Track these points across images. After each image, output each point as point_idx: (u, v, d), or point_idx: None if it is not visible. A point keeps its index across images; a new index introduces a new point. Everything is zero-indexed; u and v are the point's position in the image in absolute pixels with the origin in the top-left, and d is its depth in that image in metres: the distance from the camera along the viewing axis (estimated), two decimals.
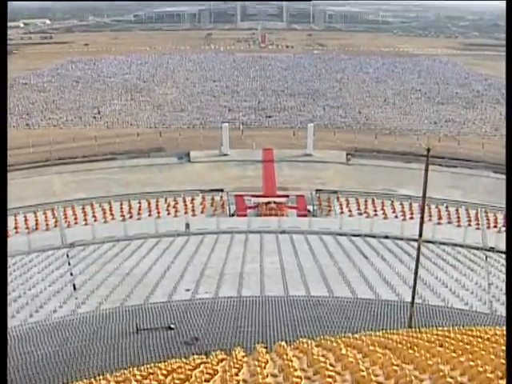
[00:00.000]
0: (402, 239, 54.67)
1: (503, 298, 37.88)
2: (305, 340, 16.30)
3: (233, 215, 65.61)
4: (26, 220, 61.64)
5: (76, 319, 34.34)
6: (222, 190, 70.30)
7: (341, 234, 56.95)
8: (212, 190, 70.10)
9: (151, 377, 14.34)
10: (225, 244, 52.86)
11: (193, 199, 68.44)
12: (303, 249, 50.73)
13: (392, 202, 68.55)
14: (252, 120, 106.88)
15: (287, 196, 69.37)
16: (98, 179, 74.27)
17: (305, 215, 64.94)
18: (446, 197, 68.44)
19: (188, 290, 38.93)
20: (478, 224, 62.33)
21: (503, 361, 12.65)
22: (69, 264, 48.12)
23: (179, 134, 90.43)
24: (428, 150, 24.01)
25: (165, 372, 14.86)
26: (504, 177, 67.74)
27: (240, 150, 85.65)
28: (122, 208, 66.44)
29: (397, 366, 11.76)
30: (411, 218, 63.71)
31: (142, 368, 16.92)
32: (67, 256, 50.50)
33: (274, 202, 66.50)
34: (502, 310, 35.51)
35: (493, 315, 34.32)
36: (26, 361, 28.44)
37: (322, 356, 12.72)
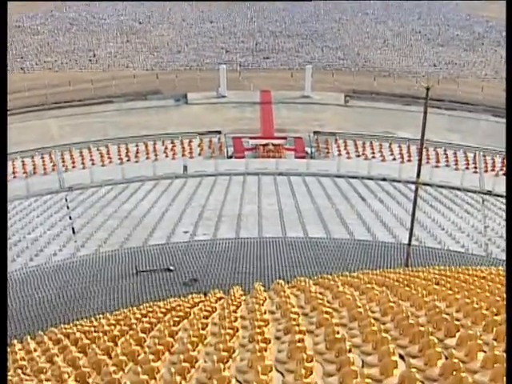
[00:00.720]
0: (399, 181, 54.76)
1: (499, 241, 38.17)
2: (302, 278, 16.46)
3: (230, 157, 65.56)
4: (23, 165, 61.55)
5: (76, 262, 34.57)
6: (219, 132, 70.01)
7: (338, 176, 57.02)
8: (210, 132, 69.83)
9: (150, 315, 14.52)
10: (223, 186, 52.95)
11: (190, 141, 68.21)
12: (301, 191, 50.83)
13: (390, 144, 68.40)
14: (249, 62, 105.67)
15: (285, 138, 69.17)
16: (95, 122, 73.87)
17: (303, 157, 64.89)
18: (444, 140, 68.27)
19: (186, 232, 39.12)
20: (475, 167, 62.36)
21: (498, 298, 12.79)
22: (67, 208, 48.24)
23: (176, 76, 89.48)
24: (427, 89, 23.77)
25: (164, 310, 15.05)
26: (503, 120, 67.65)
27: (237, 91, 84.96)
28: (119, 151, 66.27)
29: (393, 302, 11.88)
30: (409, 160, 63.69)
31: (142, 307, 17.14)
32: (66, 200, 50.59)
33: (272, 144, 66.35)
34: (497, 253, 35.82)
35: (488, 257, 34.61)
36: (28, 303, 28.75)
37: (320, 293, 12.86)
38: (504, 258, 33.53)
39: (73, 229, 41.79)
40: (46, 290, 30.52)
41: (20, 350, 13.96)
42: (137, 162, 64.25)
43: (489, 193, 53.01)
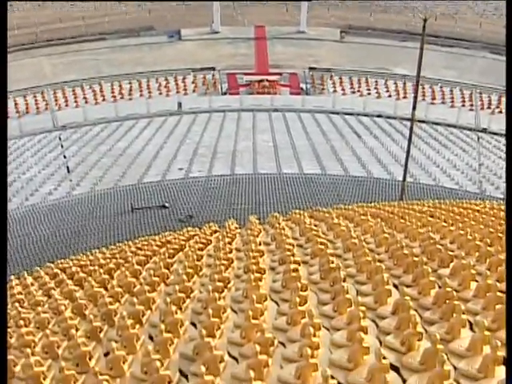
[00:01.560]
0: (394, 118, 54.54)
1: (493, 179, 38.29)
2: (297, 211, 16.49)
3: (225, 94, 65.05)
4: (16, 104, 60.92)
5: (71, 201, 34.67)
6: (213, 69, 69.24)
7: (334, 113, 56.74)
8: (204, 69, 69.06)
9: (146, 248, 14.59)
10: (217, 123, 52.69)
11: (184, 78, 67.49)
12: (296, 127, 50.64)
13: (386, 80, 67.83)
14: None
15: (280, 74, 68.49)
16: (88, 60, 72.87)
17: (298, 93, 64.43)
18: (440, 77, 67.66)
19: (181, 169, 39.13)
20: (471, 105, 62.00)
21: (492, 230, 12.85)
22: (61, 147, 48.07)
23: (169, 12, 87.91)
24: (425, 21, 23.35)
25: (159, 243, 15.11)
26: (501, 58, 66.61)
27: (231, 27, 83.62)
28: (112, 89, 65.62)
29: (388, 234, 11.91)
30: (405, 97, 63.30)
31: (137, 241, 17.21)
32: (59, 139, 50.34)
33: (267, 80, 65.75)
34: (491, 190, 35.99)
35: (482, 195, 34.76)
36: (25, 242, 28.90)
37: (314, 225, 12.88)
38: (498, 195, 33.79)
39: (67, 168, 41.74)
40: (42, 229, 30.65)
41: (17, 285, 14.05)
42: (130, 99, 63.73)
43: (484, 130, 52.86)
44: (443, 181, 37.84)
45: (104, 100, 63.44)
